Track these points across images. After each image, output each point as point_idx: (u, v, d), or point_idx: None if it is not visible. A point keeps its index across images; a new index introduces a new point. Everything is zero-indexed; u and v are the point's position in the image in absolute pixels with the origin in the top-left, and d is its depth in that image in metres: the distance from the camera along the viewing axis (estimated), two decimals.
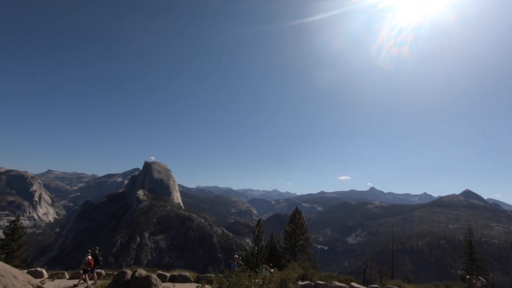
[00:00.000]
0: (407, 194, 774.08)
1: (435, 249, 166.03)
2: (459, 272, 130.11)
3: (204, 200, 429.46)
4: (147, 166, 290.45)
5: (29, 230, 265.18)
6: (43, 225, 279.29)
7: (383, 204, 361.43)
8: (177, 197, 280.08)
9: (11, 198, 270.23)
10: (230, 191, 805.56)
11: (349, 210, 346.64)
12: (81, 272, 16.49)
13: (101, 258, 17.57)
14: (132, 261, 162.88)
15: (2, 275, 6.65)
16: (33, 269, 18.13)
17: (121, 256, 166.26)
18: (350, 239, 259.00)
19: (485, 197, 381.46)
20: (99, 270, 19.53)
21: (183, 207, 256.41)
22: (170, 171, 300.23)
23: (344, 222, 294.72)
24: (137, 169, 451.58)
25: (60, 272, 19.02)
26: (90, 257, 16.66)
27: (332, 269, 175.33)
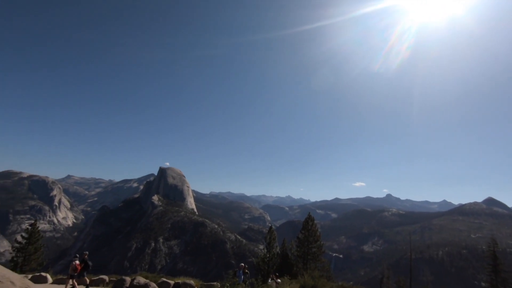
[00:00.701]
0: (426, 202, 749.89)
1: (456, 259, 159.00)
2: (483, 284, 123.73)
3: (218, 206, 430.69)
4: (162, 171, 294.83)
5: (48, 234, 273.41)
6: (62, 229, 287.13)
7: (400, 212, 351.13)
8: (191, 203, 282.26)
9: (32, 203, 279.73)
10: (243, 197, 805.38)
11: (365, 218, 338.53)
12: (67, 277, 16.11)
13: (90, 263, 17.23)
14: (147, 266, 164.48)
15: (1, 281, 6.61)
16: (38, 274, 18.35)
17: (136, 261, 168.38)
18: (366, 247, 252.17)
19: (509, 205, 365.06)
20: (103, 276, 19.46)
21: (197, 213, 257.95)
22: (184, 176, 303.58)
23: (360, 230, 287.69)
24: (152, 174, 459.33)
25: (64, 277, 19.13)
26: (77, 262, 16.28)
27: (347, 278, 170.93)
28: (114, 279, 18.07)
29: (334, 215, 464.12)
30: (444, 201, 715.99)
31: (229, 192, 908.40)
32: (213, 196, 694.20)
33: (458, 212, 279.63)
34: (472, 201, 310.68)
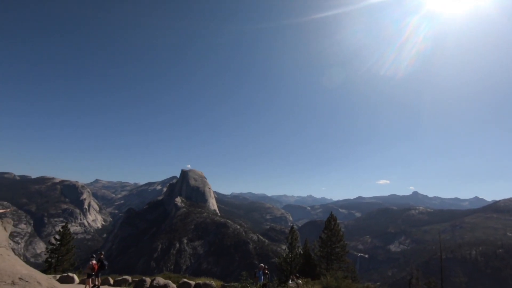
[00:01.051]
0: (456, 199, 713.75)
1: (492, 259, 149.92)
2: None
3: (239, 207, 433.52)
4: (184, 174, 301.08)
5: (80, 236, 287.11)
6: (92, 231, 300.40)
7: (429, 210, 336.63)
8: (213, 204, 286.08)
9: (65, 206, 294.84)
10: (264, 197, 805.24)
11: (390, 216, 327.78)
12: (86, 277, 16.54)
13: (106, 263, 17.54)
14: (172, 266, 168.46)
15: (27, 281, 6.98)
16: (65, 274, 19.17)
17: (162, 261, 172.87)
18: (393, 247, 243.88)
19: None
20: (126, 277, 19.97)
21: (219, 214, 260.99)
22: (205, 178, 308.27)
23: (385, 229, 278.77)
24: (174, 177, 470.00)
25: (103, 278, 19.85)
26: (94, 261, 16.64)
27: (374, 279, 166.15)
28: (137, 279, 18.62)
29: (357, 214, 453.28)
30: (476, 197, 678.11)
31: (250, 193, 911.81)
32: (234, 197, 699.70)
33: (492, 209, 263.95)
34: (507, 197, 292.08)
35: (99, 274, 17.40)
